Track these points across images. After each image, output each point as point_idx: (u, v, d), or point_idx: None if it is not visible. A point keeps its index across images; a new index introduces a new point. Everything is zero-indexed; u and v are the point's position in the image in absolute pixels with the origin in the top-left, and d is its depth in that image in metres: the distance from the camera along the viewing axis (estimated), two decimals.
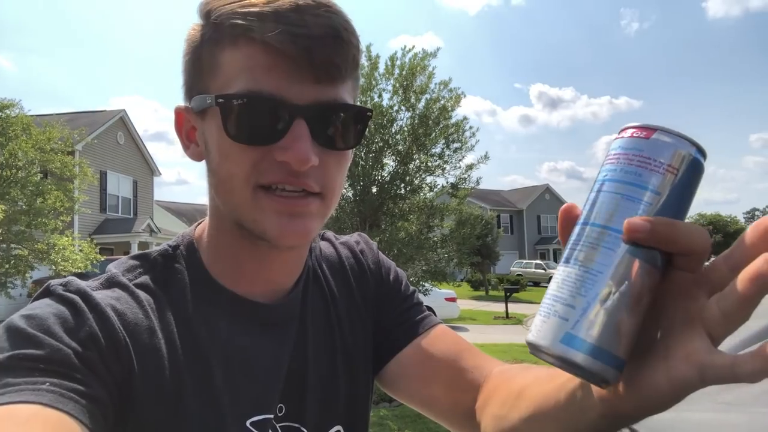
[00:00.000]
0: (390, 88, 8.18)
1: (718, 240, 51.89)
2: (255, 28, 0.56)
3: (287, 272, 0.73)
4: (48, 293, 0.59)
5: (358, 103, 0.66)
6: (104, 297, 0.60)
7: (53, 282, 0.60)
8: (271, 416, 0.66)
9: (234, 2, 0.59)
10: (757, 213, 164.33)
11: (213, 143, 0.62)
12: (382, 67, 8.17)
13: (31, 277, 12.05)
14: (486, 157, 8.49)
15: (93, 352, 0.54)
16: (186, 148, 0.68)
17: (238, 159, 0.59)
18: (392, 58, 8.08)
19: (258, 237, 0.63)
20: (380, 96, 8.22)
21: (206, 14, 0.61)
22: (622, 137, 0.46)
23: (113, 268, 0.66)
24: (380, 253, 0.88)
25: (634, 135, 0.45)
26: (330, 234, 0.87)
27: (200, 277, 0.68)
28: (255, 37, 0.57)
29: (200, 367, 0.62)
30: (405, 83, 7.92)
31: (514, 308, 18.34)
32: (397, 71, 8.06)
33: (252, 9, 0.57)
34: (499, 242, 28.90)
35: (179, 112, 0.67)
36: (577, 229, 0.46)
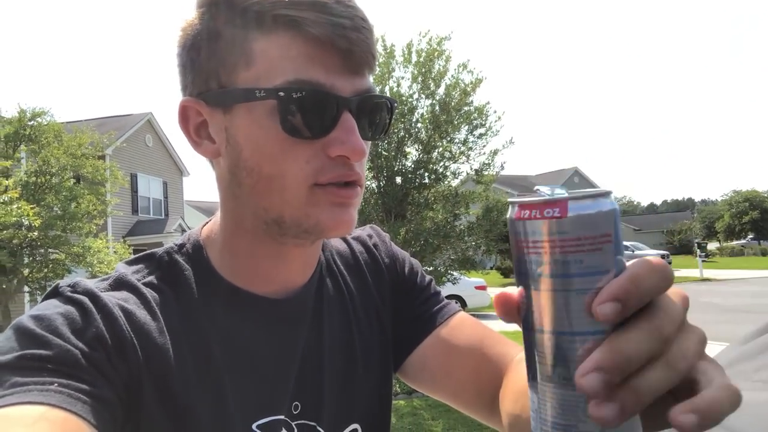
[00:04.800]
0: (409, 75, 8.11)
1: (755, 216, 50.68)
2: (302, 17, 0.55)
3: (303, 268, 0.72)
4: (56, 294, 0.59)
5: None
6: (112, 297, 0.60)
7: (61, 283, 0.60)
8: (281, 416, 0.65)
9: None
10: None
11: (251, 140, 0.59)
12: (399, 56, 8.11)
13: None
14: (511, 141, 8.35)
15: (100, 352, 0.54)
16: (196, 144, 0.64)
17: (291, 156, 0.58)
18: (408, 45, 8.01)
19: (302, 231, 0.62)
20: (399, 84, 8.15)
21: (230, 3, 0.58)
22: (534, 220, 0.40)
23: (121, 268, 0.65)
24: (393, 244, 0.87)
25: (548, 215, 0.39)
26: None
27: (206, 275, 0.67)
28: (301, 26, 0.55)
29: (206, 367, 0.62)
30: (423, 70, 7.85)
31: None
32: (414, 57, 7.99)
33: None
34: None
35: (185, 106, 0.63)
36: (546, 341, 0.40)
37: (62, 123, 11.76)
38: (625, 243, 37.30)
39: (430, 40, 7.83)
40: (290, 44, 0.56)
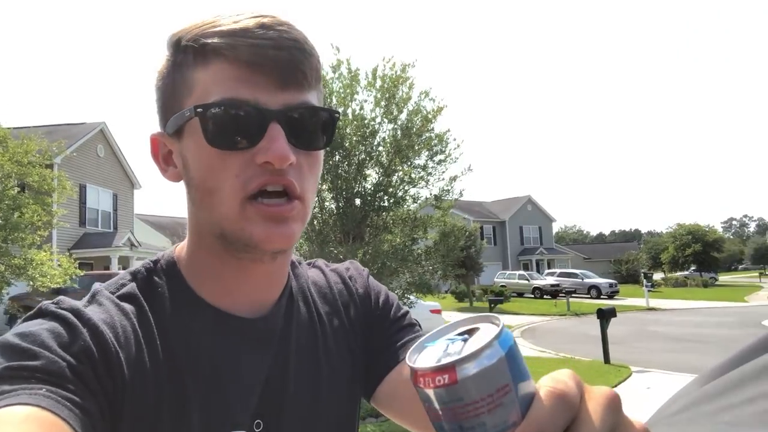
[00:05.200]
0: (372, 99, 8.18)
1: (697, 249, 52.89)
2: (224, 44, 0.60)
3: (268, 286, 0.73)
4: (40, 314, 0.60)
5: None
6: (94, 312, 0.62)
7: (44, 302, 0.61)
8: None
9: (202, 26, 0.63)
10: (734, 222, 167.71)
11: (193, 158, 0.64)
12: (363, 79, 8.18)
13: (8, 294, 11.79)
14: (469, 168, 8.50)
15: (86, 366, 0.56)
16: (164, 171, 0.69)
17: (221, 168, 0.62)
18: (374, 71, 8.08)
19: (243, 245, 0.64)
20: (362, 107, 8.22)
21: (176, 42, 0.65)
22: (427, 389, 0.38)
23: (96, 286, 0.68)
24: (371, 278, 0.88)
25: (439, 383, 0.37)
26: (321, 262, 0.88)
27: (179, 289, 0.69)
28: (225, 53, 0.60)
29: (175, 380, 0.63)
30: (387, 95, 7.93)
31: None
32: (378, 82, 8.06)
33: (219, 29, 0.61)
34: (483, 253, 28.98)
35: (154, 139, 0.69)
36: None
37: (8, 128, 11.29)
38: (575, 271, 38.29)
39: (394, 65, 7.93)
40: (220, 69, 0.61)
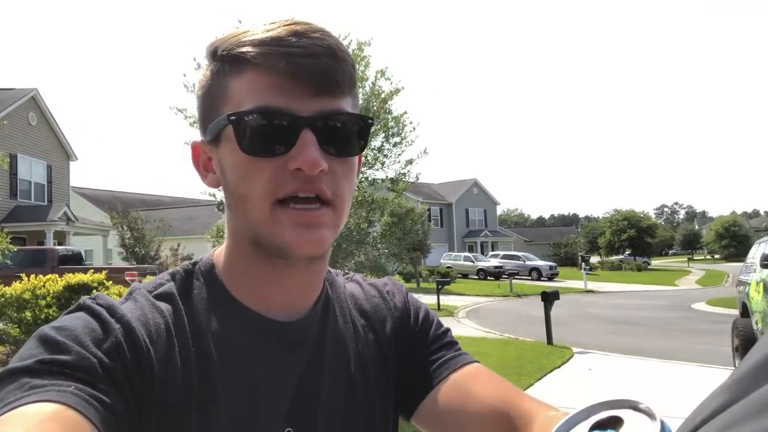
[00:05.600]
0: None
1: (632, 234, 55.33)
2: (257, 53, 0.62)
3: (303, 292, 0.73)
4: (79, 308, 0.62)
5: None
6: (129, 309, 0.64)
7: (85, 297, 0.64)
8: None
9: (237, 35, 0.65)
10: (665, 209, 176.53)
11: (229, 164, 0.65)
12: None
13: None
14: (425, 152, 8.47)
15: (117, 363, 0.57)
16: (203, 177, 0.71)
17: (254, 175, 0.63)
18: None
19: (276, 250, 0.65)
20: None
21: (213, 52, 0.67)
22: None
23: (136, 285, 0.70)
24: (410, 294, 0.88)
25: None
26: (358, 276, 0.89)
27: (215, 291, 0.70)
28: (258, 62, 0.62)
29: (206, 380, 0.63)
30: None
31: (445, 300, 18.65)
32: None
33: (253, 37, 0.63)
34: (430, 235, 29.28)
35: (195, 146, 0.71)
36: None
37: None
38: (517, 253, 39.34)
39: (350, 43, 7.77)
40: (254, 78, 0.63)
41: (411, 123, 8.30)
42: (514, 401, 0.70)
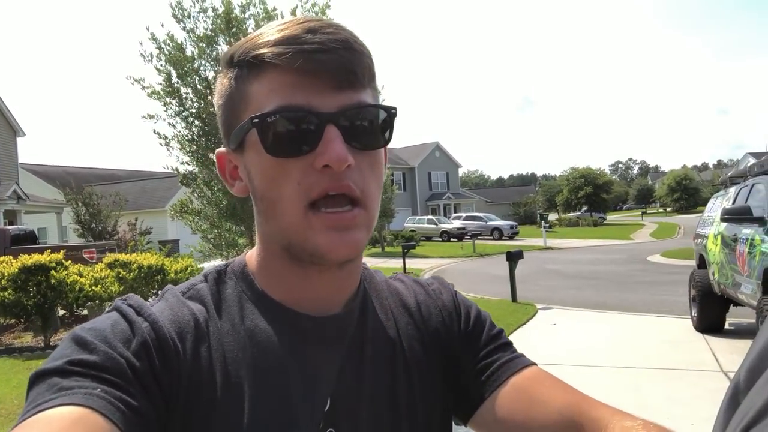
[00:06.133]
0: None
1: (589, 191, 56.66)
2: (273, 53, 0.60)
3: (338, 295, 0.71)
4: (112, 308, 0.64)
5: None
6: (158, 308, 0.65)
7: (117, 299, 0.65)
8: None
9: (251, 39, 0.64)
10: (620, 165, 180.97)
11: (256, 169, 0.64)
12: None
13: None
14: None
15: (145, 362, 0.57)
16: (231, 186, 0.70)
17: (282, 177, 0.62)
18: (293, 11, 7.71)
19: (309, 256, 0.64)
20: None
21: (229, 59, 0.66)
22: None
23: (169, 287, 0.71)
24: (459, 293, 0.84)
25: None
26: (402, 274, 0.86)
27: (249, 289, 0.69)
28: (275, 62, 0.60)
29: (237, 377, 0.63)
30: None
31: (410, 263, 18.80)
32: None
33: (268, 39, 0.62)
34: (394, 200, 29.37)
35: (220, 156, 0.71)
36: None
37: None
38: (479, 214, 39.88)
39: (313, 5, 7.59)
40: (273, 79, 0.61)
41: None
42: (583, 408, 0.67)
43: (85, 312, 9.37)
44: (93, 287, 8.83)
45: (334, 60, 0.60)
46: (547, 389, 0.70)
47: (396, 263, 17.13)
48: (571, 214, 55.78)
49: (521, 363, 0.74)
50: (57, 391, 0.51)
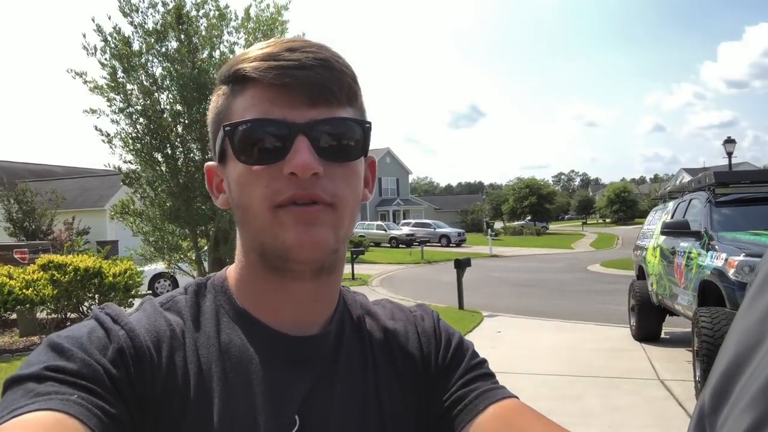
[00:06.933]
0: (243, 41, 7.63)
1: (533, 201, 58.20)
2: (253, 69, 0.63)
3: (313, 307, 0.71)
4: (89, 316, 0.65)
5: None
6: (136, 318, 0.66)
7: (95, 307, 0.66)
8: None
9: (238, 57, 0.67)
10: (563, 176, 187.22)
11: (232, 179, 0.66)
12: (233, 21, 7.65)
13: None
14: None
15: (121, 370, 0.58)
16: (215, 199, 0.73)
17: (252, 183, 0.64)
18: (246, 10, 7.55)
19: (278, 257, 0.65)
20: (232, 50, 7.66)
21: (220, 77, 0.69)
22: None
23: (148, 298, 0.72)
24: (441, 320, 0.83)
25: None
26: (386, 300, 0.86)
27: (226, 304, 0.70)
28: (254, 77, 0.63)
29: (206, 391, 0.63)
30: (259, 36, 7.46)
31: (359, 269, 18.88)
32: (252, 24, 7.56)
33: (250, 55, 0.65)
34: None
35: (209, 169, 0.74)
36: None
37: None
38: (428, 221, 40.29)
39: (268, 6, 7.46)
40: (253, 94, 0.64)
41: None
42: None
43: (14, 316, 8.87)
44: (24, 290, 8.39)
45: (309, 76, 0.63)
46: (527, 420, 0.69)
47: (345, 268, 17.03)
48: (516, 223, 57.11)
49: (501, 393, 0.73)
50: (33, 397, 0.52)
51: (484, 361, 0.79)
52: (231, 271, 0.74)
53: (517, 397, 0.73)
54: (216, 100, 0.70)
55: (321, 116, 0.63)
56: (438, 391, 0.74)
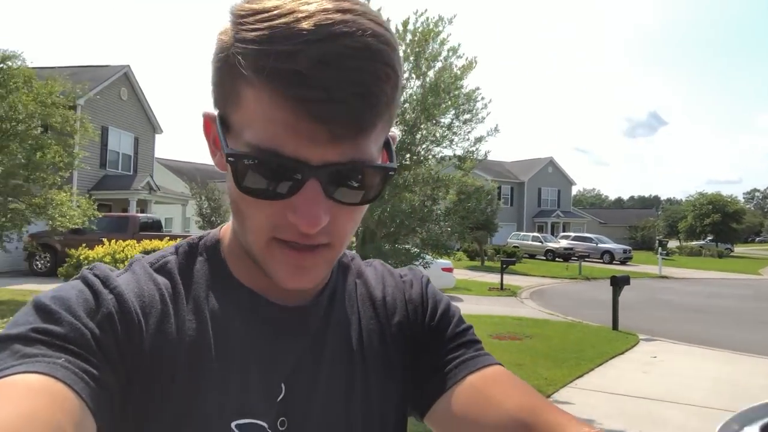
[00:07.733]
0: (401, 53, 7.92)
1: (716, 219, 52.14)
2: (277, 73, 0.52)
3: None
4: (77, 277, 0.63)
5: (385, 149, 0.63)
6: (125, 280, 0.64)
7: (84, 268, 0.64)
8: (265, 424, 0.64)
9: (261, 29, 0.53)
10: (757, 194, 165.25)
11: (230, 179, 0.60)
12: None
13: (27, 231, 12.05)
14: (496, 129, 8.30)
15: (109, 334, 0.57)
16: (213, 155, 0.66)
17: (253, 208, 0.59)
18: (405, 23, 7.89)
19: (268, 274, 0.63)
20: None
21: (234, 25, 0.56)
22: None
23: (138, 257, 0.69)
24: (430, 285, 0.82)
25: None
26: (377, 262, 0.84)
27: (217, 268, 0.69)
28: (276, 85, 0.52)
29: (196, 357, 0.63)
30: (417, 50, 7.73)
31: (509, 280, 18.39)
32: (409, 36, 7.86)
33: (275, 47, 0.51)
34: (499, 214, 28.93)
35: (207, 120, 0.63)
36: None
37: (34, 68, 11.25)
38: (589, 235, 38.06)
39: (427, 20, 7.71)
40: (269, 102, 0.53)
41: (482, 99, 8.12)
42: (539, 412, 0.64)
43: None
44: None
45: (338, 111, 0.52)
46: (504, 389, 0.68)
47: (493, 278, 16.85)
48: (694, 243, 51.64)
49: (482, 362, 0.72)
50: (20, 358, 0.50)
51: (470, 328, 0.78)
52: (225, 233, 0.71)
53: (500, 364, 0.72)
54: (223, 48, 0.56)
55: (339, 158, 0.55)
56: (422, 359, 0.74)
